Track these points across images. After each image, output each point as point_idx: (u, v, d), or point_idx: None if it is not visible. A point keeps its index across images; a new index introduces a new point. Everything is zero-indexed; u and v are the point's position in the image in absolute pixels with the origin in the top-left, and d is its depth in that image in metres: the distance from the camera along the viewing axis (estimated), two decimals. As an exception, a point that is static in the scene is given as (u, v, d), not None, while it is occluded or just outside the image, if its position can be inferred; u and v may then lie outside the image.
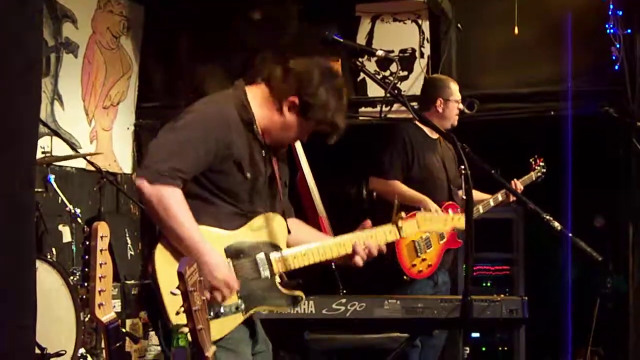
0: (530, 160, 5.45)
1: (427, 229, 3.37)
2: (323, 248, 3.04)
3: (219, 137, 2.85)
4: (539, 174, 5.41)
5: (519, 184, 5.18)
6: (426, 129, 4.83)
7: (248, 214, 2.94)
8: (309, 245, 3.04)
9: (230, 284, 2.81)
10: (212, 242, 2.85)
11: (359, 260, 3.09)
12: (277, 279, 2.98)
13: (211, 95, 3.02)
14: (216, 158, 2.86)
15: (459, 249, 4.96)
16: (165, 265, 2.80)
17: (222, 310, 2.83)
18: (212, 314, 2.80)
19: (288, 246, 3.04)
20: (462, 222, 4.46)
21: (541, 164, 5.45)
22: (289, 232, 3.07)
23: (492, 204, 4.99)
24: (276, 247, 2.98)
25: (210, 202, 2.90)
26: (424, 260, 4.70)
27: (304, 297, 3.01)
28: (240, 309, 2.88)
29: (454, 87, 4.95)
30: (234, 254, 2.90)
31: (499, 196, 4.99)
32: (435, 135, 4.85)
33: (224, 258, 2.87)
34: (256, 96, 2.99)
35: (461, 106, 4.95)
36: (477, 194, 4.99)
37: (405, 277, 4.67)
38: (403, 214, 3.19)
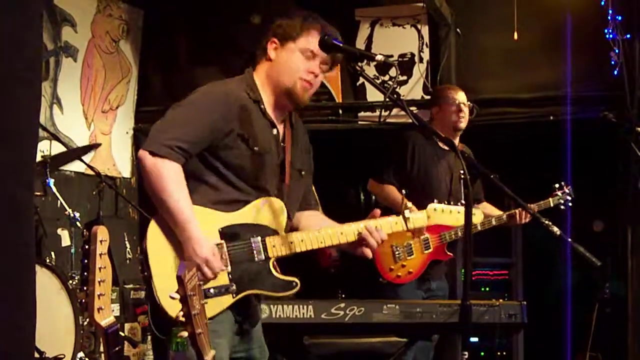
0: (555, 185, 5.04)
1: (437, 222, 3.27)
2: (322, 236, 3.02)
3: (221, 110, 2.91)
4: (561, 200, 4.99)
5: (533, 208, 4.92)
6: (438, 140, 4.67)
7: (250, 201, 2.94)
8: (309, 232, 3.03)
9: (210, 263, 2.80)
10: (208, 222, 2.86)
11: (365, 250, 3.09)
12: (272, 263, 2.96)
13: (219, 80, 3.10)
14: (219, 132, 2.89)
15: (457, 255, 4.92)
16: (156, 237, 2.83)
17: (211, 290, 2.81)
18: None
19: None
20: (475, 219, 4.32)
21: (567, 190, 5.03)
22: (289, 218, 3.05)
23: (505, 219, 4.79)
24: (274, 232, 2.97)
25: (215, 188, 2.92)
26: (403, 266, 4.65)
27: (299, 283, 2.99)
28: (231, 291, 2.86)
29: (449, 92, 4.91)
30: (229, 235, 2.90)
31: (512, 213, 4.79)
32: (447, 147, 4.63)
33: (215, 239, 2.87)
34: (260, 76, 3.07)
35: (465, 111, 4.81)
36: (489, 208, 4.90)
37: (380, 279, 4.62)
38: (409, 204, 3.17)
